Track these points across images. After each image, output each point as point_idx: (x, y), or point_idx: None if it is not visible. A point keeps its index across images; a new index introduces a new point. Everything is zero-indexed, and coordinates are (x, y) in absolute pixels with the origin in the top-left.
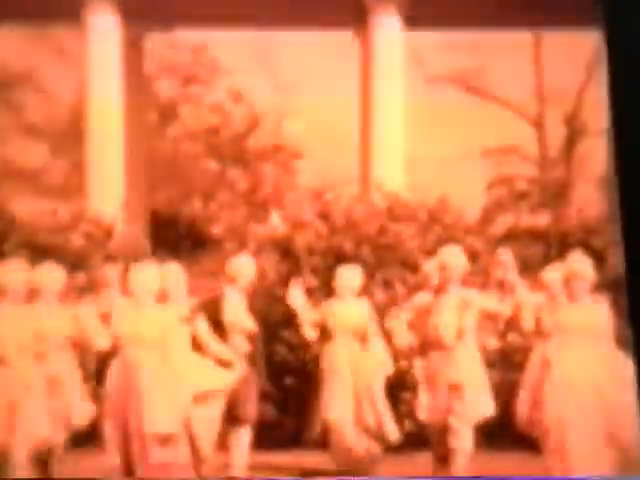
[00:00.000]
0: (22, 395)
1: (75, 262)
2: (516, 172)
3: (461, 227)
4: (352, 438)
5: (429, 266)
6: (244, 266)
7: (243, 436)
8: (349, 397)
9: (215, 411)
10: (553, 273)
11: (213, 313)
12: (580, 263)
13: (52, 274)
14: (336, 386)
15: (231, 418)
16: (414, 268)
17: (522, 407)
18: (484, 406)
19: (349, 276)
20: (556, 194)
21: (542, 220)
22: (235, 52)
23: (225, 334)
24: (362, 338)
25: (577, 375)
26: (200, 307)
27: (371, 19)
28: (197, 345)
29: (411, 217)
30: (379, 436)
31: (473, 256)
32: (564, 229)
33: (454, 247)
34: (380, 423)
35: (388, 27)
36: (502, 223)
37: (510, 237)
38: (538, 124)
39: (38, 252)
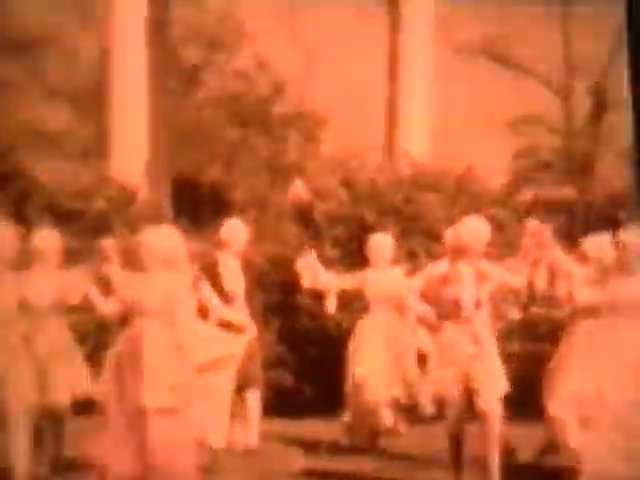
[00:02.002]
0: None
1: (97, 226)
2: (541, 143)
3: (487, 197)
4: (376, 396)
5: (449, 234)
6: (236, 230)
7: (252, 403)
8: (380, 361)
9: (228, 378)
10: (598, 244)
11: (210, 279)
12: (637, 235)
13: (49, 239)
14: (367, 351)
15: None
16: (439, 238)
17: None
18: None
19: (382, 244)
20: (581, 165)
21: (567, 192)
22: (261, 18)
23: (223, 300)
24: (398, 307)
25: (626, 352)
26: (201, 272)
27: None
28: (203, 312)
29: (437, 186)
30: (409, 409)
31: (498, 227)
32: (589, 201)
33: (477, 217)
34: (412, 396)
35: None
36: (527, 194)
37: (534, 208)
38: (564, 95)
39: (60, 216)
